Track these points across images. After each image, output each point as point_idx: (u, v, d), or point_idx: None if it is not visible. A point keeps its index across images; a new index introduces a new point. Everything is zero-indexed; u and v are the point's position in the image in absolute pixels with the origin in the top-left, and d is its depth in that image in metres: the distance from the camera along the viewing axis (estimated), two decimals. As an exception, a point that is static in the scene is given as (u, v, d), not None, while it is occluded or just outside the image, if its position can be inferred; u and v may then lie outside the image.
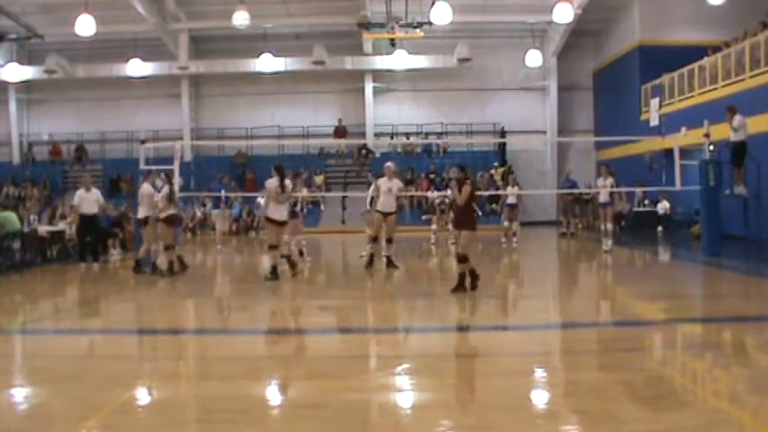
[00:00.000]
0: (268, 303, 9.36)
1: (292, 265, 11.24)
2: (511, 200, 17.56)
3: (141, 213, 12.00)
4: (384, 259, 11.94)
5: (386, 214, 11.82)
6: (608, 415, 4.28)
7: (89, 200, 13.13)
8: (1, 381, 5.33)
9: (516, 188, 17.81)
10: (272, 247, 10.97)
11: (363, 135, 27.53)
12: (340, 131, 27.12)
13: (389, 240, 11.96)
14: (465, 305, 8.89)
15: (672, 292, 9.66)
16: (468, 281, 9.07)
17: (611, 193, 15.56)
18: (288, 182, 11.12)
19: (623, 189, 19.14)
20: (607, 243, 15.01)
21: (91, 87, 27.69)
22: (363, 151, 27.15)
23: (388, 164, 12.35)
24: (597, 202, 16.32)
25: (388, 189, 11.86)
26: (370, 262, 12.06)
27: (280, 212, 10.94)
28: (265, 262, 11.43)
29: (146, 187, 12.05)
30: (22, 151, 28.60)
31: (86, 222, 13.22)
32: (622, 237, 16.77)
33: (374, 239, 12.19)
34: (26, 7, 23.30)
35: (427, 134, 26.98)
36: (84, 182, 13.73)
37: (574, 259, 15.29)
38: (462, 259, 9.07)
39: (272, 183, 10.95)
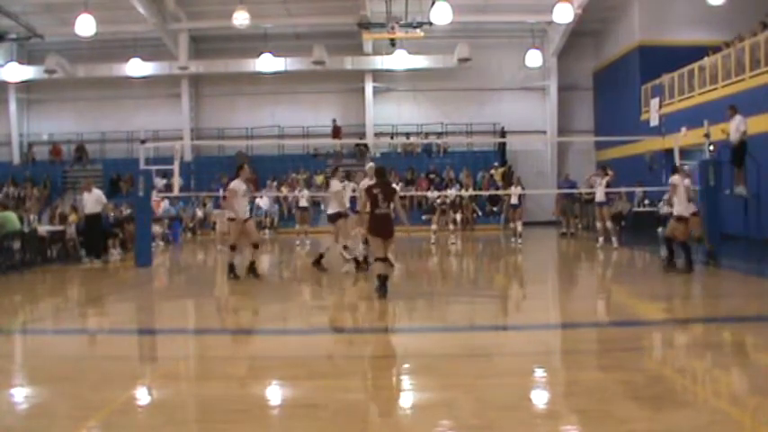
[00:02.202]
0: (268, 303, 9.36)
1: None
2: (514, 200, 17.53)
3: (332, 209, 11.80)
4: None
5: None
6: (608, 415, 4.28)
7: (90, 200, 14.27)
8: (1, 381, 5.33)
9: (519, 188, 17.77)
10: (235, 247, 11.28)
11: (363, 135, 27.54)
12: (335, 131, 27.14)
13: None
14: (465, 305, 8.91)
15: (672, 292, 9.66)
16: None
17: (607, 193, 15.63)
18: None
19: (623, 189, 19.14)
20: (610, 240, 15.13)
21: (91, 87, 27.71)
22: (362, 147, 27.15)
23: (370, 164, 12.35)
24: (595, 202, 16.39)
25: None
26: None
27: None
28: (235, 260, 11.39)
29: (335, 184, 11.83)
30: (22, 151, 28.62)
31: (89, 221, 14.34)
32: (622, 237, 16.77)
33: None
34: (26, 7, 23.30)
35: (427, 134, 26.99)
36: (85, 185, 15.00)
37: (574, 259, 15.29)
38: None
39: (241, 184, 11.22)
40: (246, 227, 11.09)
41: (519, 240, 16.84)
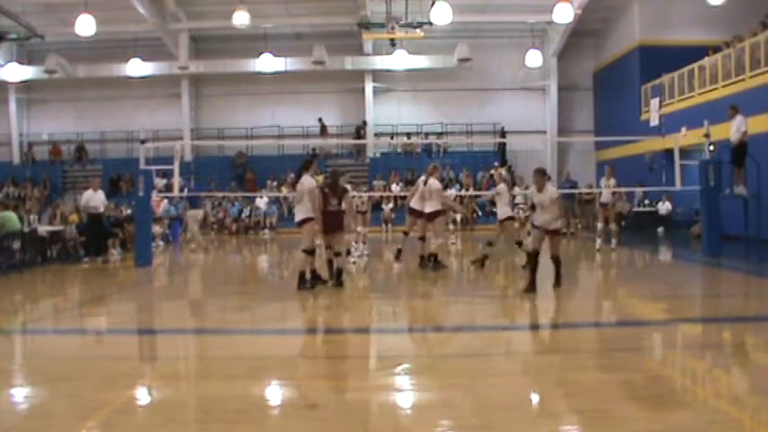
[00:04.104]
0: (267, 303, 9.36)
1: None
2: (519, 199, 17.54)
3: (431, 208, 11.50)
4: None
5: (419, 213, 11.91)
6: (608, 415, 4.28)
7: (96, 199, 14.62)
8: (1, 381, 5.33)
9: (524, 188, 17.71)
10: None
11: (363, 135, 27.54)
12: (322, 130, 27.11)
13: (422, 239, 12.00)
14: (465, 305, 8.91)
15: (672, 292, 9.66)
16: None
17: (612, 193, 15.59)
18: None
19: (623, 189, 19.14)
20: (612, 242, 15.14)
21: (91, 87, 27.72)
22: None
23: (433, 164, 12.33)
24: (598, 202, 16.30)
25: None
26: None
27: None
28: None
29: (435, 183, 11.76)
30: (22, 151, 28.63)
31: (93, 220, 14.63)
32: (622, 237, 16.76)
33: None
34: (26, 7, 23.28)
35: (427, 134, 27.00)
36: (93, 184, 15.13)
37: (574, 259, 15.27)
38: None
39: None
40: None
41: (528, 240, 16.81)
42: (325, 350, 6.63)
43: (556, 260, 9.25)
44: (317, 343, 7.05)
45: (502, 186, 11.95)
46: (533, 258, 9.12)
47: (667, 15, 22.55)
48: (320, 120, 27.09)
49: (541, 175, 9.26)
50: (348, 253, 13.02)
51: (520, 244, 12.57)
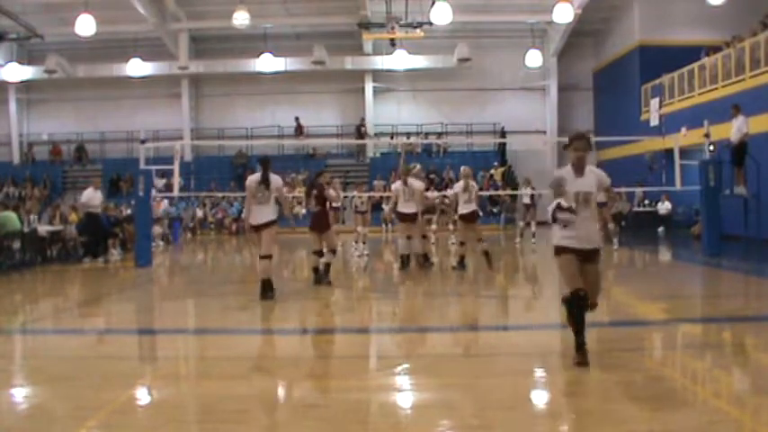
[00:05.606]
0: (266, 303, 9.35)
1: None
2: (527, 200, 17.60)
3: (410, 209, 11.54)
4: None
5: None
6: (608, 415, 4.28)
7: (96, 198, 14.73)
8: (1, 381, 5.33)
9: (530, 188, 17.78)
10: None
11: (364, 135, 27.54)
12: (298, 130, 27.09)
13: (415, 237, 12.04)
14: (465, 305, 8.91)
15: (672, 292, 9.66)
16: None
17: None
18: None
19: (623, 189, 19.12)
20: (610, 241, 15.11)
21: (91, 87, 27.73)
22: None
23: (416, 165, 12.44)
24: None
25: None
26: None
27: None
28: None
29: (419, 184, 11.98)
30: (22, 151, 28.65)
31: (92, 219, 14.64)
32: (622, 237, 16.76)
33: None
34: (26, 7, 23.29)
35: (427, 134, 27.00)
36: (95, 183, 15.29)
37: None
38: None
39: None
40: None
41: (533, 240, 16.85)
42: (325, 350, 6.63)
43: (591, 303, 5.39)
44: (317, 343, 7.04)
45: (461, 184, 11.87)
46: (579, 307, 5.27)
47: (667, 15, 22.55)
48: (297, 119, 27.06)
49: (587, 143, 5.45)
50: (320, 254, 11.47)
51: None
